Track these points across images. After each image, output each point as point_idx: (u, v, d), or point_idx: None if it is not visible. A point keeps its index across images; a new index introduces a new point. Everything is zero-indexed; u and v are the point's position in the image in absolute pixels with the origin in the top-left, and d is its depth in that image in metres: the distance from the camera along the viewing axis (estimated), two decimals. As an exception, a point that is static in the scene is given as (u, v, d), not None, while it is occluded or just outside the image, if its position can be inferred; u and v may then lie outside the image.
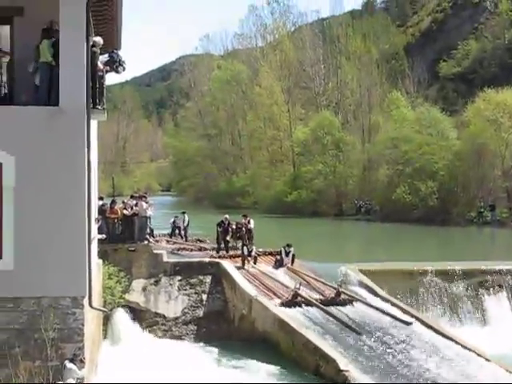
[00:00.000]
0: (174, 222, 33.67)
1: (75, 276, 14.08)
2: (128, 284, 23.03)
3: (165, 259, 24.46)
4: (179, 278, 24.19)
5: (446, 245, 39.04)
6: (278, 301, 22.63)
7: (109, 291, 21.49)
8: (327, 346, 19.68)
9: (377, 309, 23.14)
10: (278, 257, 26.81)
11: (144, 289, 23.72)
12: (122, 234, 23.90)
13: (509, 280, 27.78)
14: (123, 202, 25.41)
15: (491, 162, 52.72)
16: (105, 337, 21.30)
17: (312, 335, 20.27)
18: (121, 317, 22.36)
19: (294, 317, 21.59)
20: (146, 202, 25.25)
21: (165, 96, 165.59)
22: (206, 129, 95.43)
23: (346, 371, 18.38)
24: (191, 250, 29.25)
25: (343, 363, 18.67)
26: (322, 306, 22.64)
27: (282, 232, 39.95)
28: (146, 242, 24.30)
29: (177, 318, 23.49)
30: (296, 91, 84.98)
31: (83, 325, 14.15)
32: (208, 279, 24.24)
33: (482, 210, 51.10)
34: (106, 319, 21.42)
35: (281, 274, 25.80)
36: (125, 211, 24.09)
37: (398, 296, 25.03)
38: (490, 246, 38.16)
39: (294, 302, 22.68)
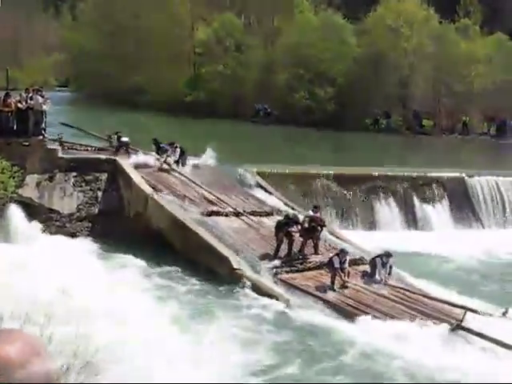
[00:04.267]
0: (118, 139, 27.44)
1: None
2: (21, 179, 22.53)
3: (60, 155, 23.97)
4: (74, 174, 23.80)
5: (341, 150, 39.84)
6: None
7: (1, 186, 21.02)
8: (221, 246, 20.02)
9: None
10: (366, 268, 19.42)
11: (38, 184, 23.28)
12: (16, 128, 23.29)
13: (399, 186, 28.81)
14: (20, 95, 24.60)
15: (389, 70, 53.49)
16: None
17: (206, 235, 20.55)
18: (13, 212, 21.98)
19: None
20: (42, 96, 24.55)
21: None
22: (106, 24, 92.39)
23: (239, 270, 18.86)
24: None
25: (236, 262, 19.09)
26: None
27: (179, 130, 39.67)
28: (40, 137, 23.76)
29: (71, 215, 23.30)
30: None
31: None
32: (104, 176, 24.00)
33: (378, 117, 52.17)
34: (-1, 214, 21.09)
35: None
36: (19, 105, 23.40)
37: (293, 198, 25.58)
38: (383, 152, 39.16)
39: None
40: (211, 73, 64.90)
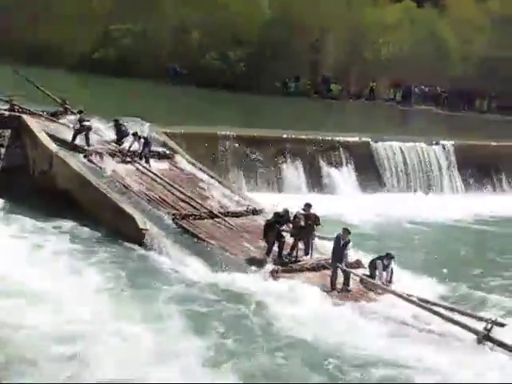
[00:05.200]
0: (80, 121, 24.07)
1: None
2: None
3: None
4: (-25, 129, 23.19)
5: (250, 112, 39.96)
6: None
7: None
8: (127, 205, 19.94)
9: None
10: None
11: None
12: None
13: (306, 149, 29.20)
14: None
15: (300, 34, 53.59)
16: None
17: (113, 194, 20.41)
18: None
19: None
20: None
21: None
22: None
23: (146, 230, 18.85)
24: None
25: (142, 222, 19.07)
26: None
27: (88, 90, 39.05)
28: None
29: (-28, 173, 22.67)
30: None
31: None
32: (7, 133, 23.37)
33: (287, 80, 52.34)
34: None
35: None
36: None
37: (200, 159, 25.57)
38: (291, 115, 39.44)
39: None
40: (121, 30, 63.62)
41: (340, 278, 17.19)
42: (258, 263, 17.93)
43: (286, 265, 18.09)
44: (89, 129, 23.98)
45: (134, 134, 23.92)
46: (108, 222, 19.80)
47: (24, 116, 24.09)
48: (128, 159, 23.44)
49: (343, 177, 29.27)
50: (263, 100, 44.29)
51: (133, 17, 63.77)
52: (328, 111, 47.02)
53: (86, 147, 23.43)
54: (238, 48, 53.79)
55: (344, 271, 17.14)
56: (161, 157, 24.52)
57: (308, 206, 18.75)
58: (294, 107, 43.29)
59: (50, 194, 21.10)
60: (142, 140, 23.70)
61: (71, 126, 24.38)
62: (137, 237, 18.77)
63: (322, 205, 25.68)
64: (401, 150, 31.04)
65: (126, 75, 48.38)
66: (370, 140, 30.78)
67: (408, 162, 30.95)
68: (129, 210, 19.56)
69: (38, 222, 19.77)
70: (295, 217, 18.41)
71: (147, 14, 63.53)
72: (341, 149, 29.81)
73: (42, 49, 70.74)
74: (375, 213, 25.78)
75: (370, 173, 30.01)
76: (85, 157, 22.78)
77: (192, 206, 21.06)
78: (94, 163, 22.61)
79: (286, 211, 18.76)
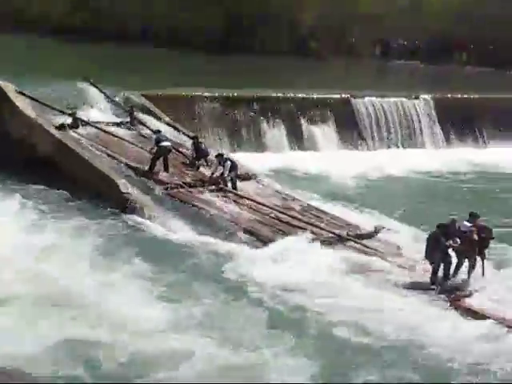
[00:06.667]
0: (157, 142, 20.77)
1: None
2: None
3: None
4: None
5: (229, 73, 39.58)
6: None
7: None
8: (108, 169, 19.85)
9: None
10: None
11: None
12: None
13: (287, 107, 29.19)
14: None
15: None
16: None
17: (95, 160, 20.31)
18: None
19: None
20: None
21: None
22: None
23: (127, 194, 18.80)
24: None
25: (124, 186, 19.01)
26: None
27: (62, 54, 38.54)
28: None
29: None
30: None
31: None
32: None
33: (266, 38, 51.78)
34: None
35: None
36: None
37: (181, 121, 25.45)
38: (270, 74, 39.16)
39: None
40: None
41: None
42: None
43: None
44: (169, 151, 20.87)
45: (219, 156, 20.33)
46: (90, 187, 19.64)
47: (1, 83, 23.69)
48: (214, 188, 19.89)
49: (324, 134, 29.31)
50: (242, 60, 43.88)
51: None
52: (308, 69, 46.70)
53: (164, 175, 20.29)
54: (213, 6, 53.07)
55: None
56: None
57: (474, 216, 15.17)
58: (273, 66, 42.94)
59: (30, 161, 20.91)
60: (229, 163, 19.92)
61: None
62: (119, 202, 18.69)
63: (303, 162, 26.14)
64: (381, 105, 31.04)
65: (101, 38, 47.51)
66: (350, 97, 30.71)
67: (389, 117, 30.97)
68: (111, 175, 19.47)
69: (18, 188, 19.61)
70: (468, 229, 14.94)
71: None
72: (321, 106, 29.78)
73: (17, 13, 69.38)
74: (355, 168, 25.93)
75: (350, 129, 30.04)
76: (166, 189, 19.48)
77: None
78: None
79: (453, 220, 15.28)
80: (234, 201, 19.15)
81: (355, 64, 48.90)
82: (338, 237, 17.04)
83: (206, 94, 27.52)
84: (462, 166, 28.58)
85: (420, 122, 31.62)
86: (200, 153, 21.39)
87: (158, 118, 24.95)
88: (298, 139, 28.76)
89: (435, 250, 14.72)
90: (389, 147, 30.46)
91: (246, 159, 23.28)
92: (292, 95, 29.76)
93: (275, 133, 28.36)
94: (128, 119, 24.30)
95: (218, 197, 19.24)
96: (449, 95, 33.65)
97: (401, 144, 30.84)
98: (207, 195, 19.30)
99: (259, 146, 27.73)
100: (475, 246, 14.74)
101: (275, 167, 24.51)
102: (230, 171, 19.75)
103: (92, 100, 25.34)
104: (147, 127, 23.87)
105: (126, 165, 20.51)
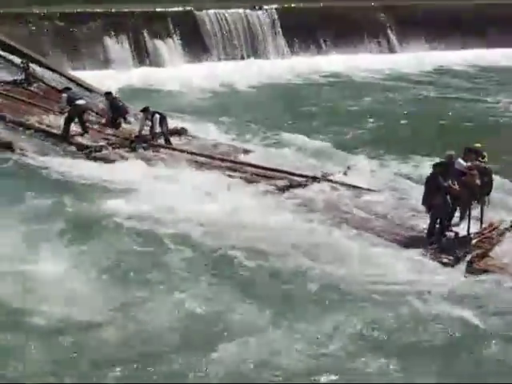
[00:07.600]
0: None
1: None
2: None
3: None
4: None
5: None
6: None
7: None
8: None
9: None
10: None
11: None
12: None
13: (130, 22, 28.72)
14: None
15: None
16: None
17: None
18: None
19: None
20: None
21: None
22: None
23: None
24: None
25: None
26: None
27: None
28: None
29: None
30: None
31: None
32: None
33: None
34: None
35: None
36: None
37: (19, 40, 24.30)
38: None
39: None
40: None
41: None
42: None
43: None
44: (85, 110, 18.42)
45: (145, 110, 17.66)
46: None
47: None
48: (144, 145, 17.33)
49: (169, 48, 29.13)
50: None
51: None
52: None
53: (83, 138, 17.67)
54: None
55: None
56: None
57: (471, 151, 12.47)
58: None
59: None
60: (157, 116, 17.42)
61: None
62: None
63: (148, 77, 26.04)
64: (225, 17, 31.00)
65: None
66: (193, 9, 30.50)
67: (233, 28, 31.03)
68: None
69: None
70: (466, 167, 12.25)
71: None
72: (164, 20, 29.45)
73: None
74: (200, 80, 26.13)
75: (195, 42, 29.91)
76: (90, 152, 16.72)
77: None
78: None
79: (450, 156, 12.33)
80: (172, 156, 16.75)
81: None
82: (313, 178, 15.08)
83: (44, 10, 26.55)
84: (304, 72, 29.54)
85: (263, 32, 31.86)
86: (117, 110, 18.72)
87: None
88: (142, 54, 28.52)
89: (436, 195, 11.89)
90: (234, 58, 30.64)
91: (89, 77, 22.86)
92: (134, 9, 29.18)
93: (119, 49, 27.95)
94: (23, 76, 21.69)
95: (151, 154, 16.86)
96: (292, 5, 33.78)
97: (245, 54, 31.07)
98: (138, 154, 16.79)
99: (103, 63, 27.26)
100: (477, 192, 12.07)
101: (122, 85, 24.13)
102: (159, 126, 17.48)
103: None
104: (47, 85, 21.73)
105: (30, 128, 17.93)
